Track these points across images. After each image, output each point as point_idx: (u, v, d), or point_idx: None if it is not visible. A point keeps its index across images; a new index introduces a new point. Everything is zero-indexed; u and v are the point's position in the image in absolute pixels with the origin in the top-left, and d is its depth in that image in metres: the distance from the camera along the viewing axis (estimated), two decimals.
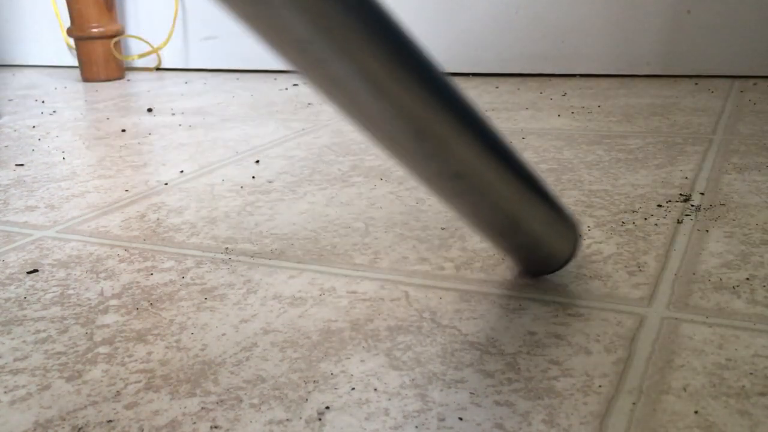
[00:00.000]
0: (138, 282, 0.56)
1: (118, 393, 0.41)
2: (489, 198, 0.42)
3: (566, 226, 0.48)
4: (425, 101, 0.36)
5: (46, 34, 1.89)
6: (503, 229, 0.46)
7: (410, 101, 0.36)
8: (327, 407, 0.39)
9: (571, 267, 0.54)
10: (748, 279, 0.51)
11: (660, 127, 0.96)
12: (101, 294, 0.54)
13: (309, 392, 0.40)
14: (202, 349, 0.45)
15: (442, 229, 0.63)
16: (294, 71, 0.37)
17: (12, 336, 0.48)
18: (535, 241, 0.47)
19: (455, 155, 0.39)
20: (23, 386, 0.42)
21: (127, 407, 0.40)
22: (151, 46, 1.74)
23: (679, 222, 0.62)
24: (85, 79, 1.65)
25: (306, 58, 0.32)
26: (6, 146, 1.04)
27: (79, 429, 0.38)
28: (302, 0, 0.29)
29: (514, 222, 0.45)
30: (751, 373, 0.40)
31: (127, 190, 0.80)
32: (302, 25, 0.30)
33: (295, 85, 1.46)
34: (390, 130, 0.37)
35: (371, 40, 0.32)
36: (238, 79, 1.57)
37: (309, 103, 1.25)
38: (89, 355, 0.45)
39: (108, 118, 1.22)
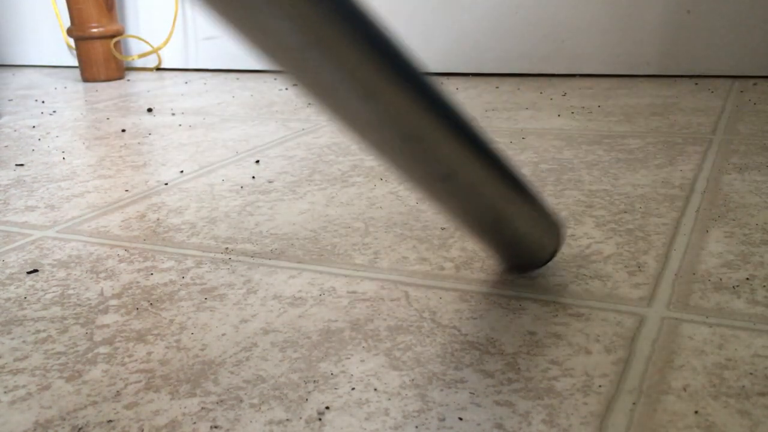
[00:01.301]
0: (138, 282, 0.56)
1: (118, 393, 0.41)
2: (476, 198, 0.44)
3: (549, 223, 0.49)
4: (413, 105, 0.37)
5: (46, 34, 1.89)
6: (489, 228, 0.47)
7: (399, 105, 0.36)
8: (327, 407, 0.39)
9: (571, 267, 0.54)
10: (748, 279, 0.51)
11: (660, 127, 0.96)
12: (101, 294, 0.54)
13: (309, 392, 0.40)
14: (202, 349, 0.45)
15: (442, 229, 0.63)
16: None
17: (12, 336, 0.48)
18: (519, 238, 0.48)
19: (444, 157, 0.40)
20: (23, 386, 0.42)
21: (127, 407, 0.40)
22: (151, 46, 1.73)
23: (678, 222, 0.62)
24: (85, 79, 1.65)
25: (296, 65, 0.33)
26: (6, 146, 1.04)
27: (79, 429, 0.38)
28: (290, 8, 0.30)
29: (500, 220, 0.46)
30: (751, 373, 0.40)
31: (127, 190, 0.80)
32: (291, 33, 0.30)
33: (295, 85, 1.46)
34: (379, 135, 0.38)
35: (359, 45, 0.33)
36: (238, 79, 1.57)
37: (309, 103, 1.25)
38: (89, 355, 0.45)
39: (108, 118, 1.22)
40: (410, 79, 0.36)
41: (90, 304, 0.53)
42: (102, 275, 0.57)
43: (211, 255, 0.60)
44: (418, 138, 0.38)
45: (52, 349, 0.46)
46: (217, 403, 0.40)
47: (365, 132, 0.38)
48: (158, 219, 0.70)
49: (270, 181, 0.80)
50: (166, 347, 0.46)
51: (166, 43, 1.71)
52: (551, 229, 0.50)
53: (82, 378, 0.43)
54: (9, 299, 0.54)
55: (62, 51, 1.89)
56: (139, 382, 0.42)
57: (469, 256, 0.57)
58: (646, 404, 0.37)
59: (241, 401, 0.40)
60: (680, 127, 0.95)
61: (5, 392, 0.42)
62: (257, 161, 0.89)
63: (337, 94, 0.35)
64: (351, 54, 0.33)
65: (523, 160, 0.84)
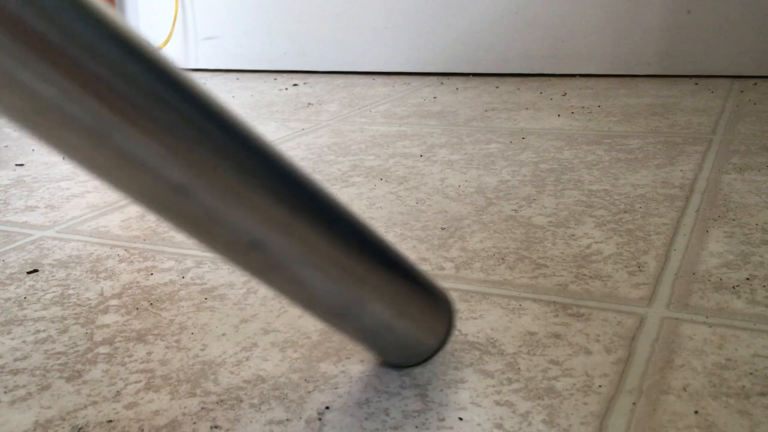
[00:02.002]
0: (138, 282, 0.56)
1: (118, 393, 0.41)
2: (305, 275, 0.31)
3: (429, 306, 0.38)
4: (181, 135, 0.25)
5: None
6: (333, 314, 0.34)
7: (155, 137, 0.25)
8: (327, 407, 0.39)
9: (571, 267, 0.54)
10: (748, 279, 0.51)
11: (660, 127, 0.96)
12: (101, 294, 0.54)
13: (309, 392, 0.40)
14: (202, 349, 0.45)
15: (442, 229, 0.63)
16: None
17: (12, 336, 0.48)
18: (381, 327, 0.36)
19: (240, 217, 0.28)
20: (23, 386, 0.42)
21: (127, 407, 0.40)
22: None
23: (678, 222, 0.62)
24: None
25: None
26: (6, 146, 1.04)
27: (79, 429, 0.38)
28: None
29: (348, 304, 0.34)
30: (751, 373, 0.40)
31: None
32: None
33: (295, 85, 1.46)
34: (138, 182, 0.26)
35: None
36: (238, 79, 1.57)
37: (309, 103, 1.25)
38: (89, 355, 0.45)
39: None
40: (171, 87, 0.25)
41: (90, 304, 0.53)
42: (102, 275, 0.57)
43: (212, 255, 0.60)
44: (185, 188, 0.26)
45: (52, 349, 0.46)
46: (217, 403, 0.40)
47: (117, 176, 0.26)
48: (158, 219, 0.70)
49: None
50: (166, 347, 0.46)
51: (166, 43, 1.71)
52: (433, 313, 0.38)
53: (82, 378, 0.43)
54: (9, 299, 0.54)
55: None
56: (139, 382, 0.42)
57: (469, 256, 0.57)
58: (646, 404, 0.37)
59: (241, 401, 0.40)
60: (680, 127, 0.95)
61: (5, 392, 0.42)
62: None
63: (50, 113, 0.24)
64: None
65: (523, 160, 0.84)
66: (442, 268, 0.55)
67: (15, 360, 0.45)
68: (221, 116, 0.27)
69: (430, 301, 0.38)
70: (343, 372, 0.42)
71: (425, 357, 0.41)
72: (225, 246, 0.29)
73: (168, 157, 0.25)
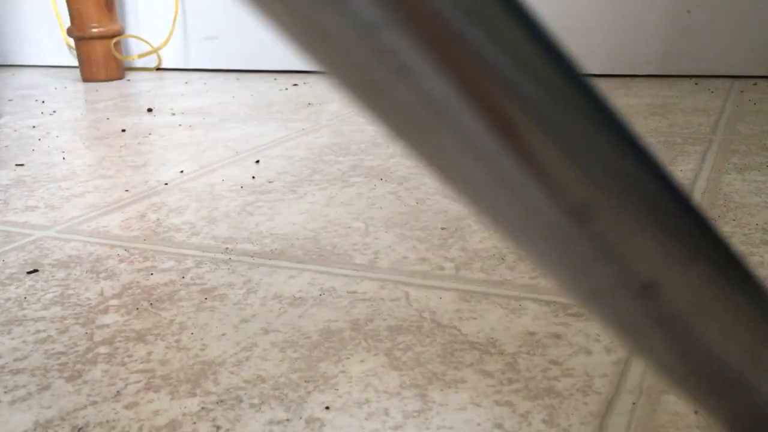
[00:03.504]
0: (138, 282, 0.56)
1: (118, 393, 0.41)
2: (700, 331, 0.23)
3: None
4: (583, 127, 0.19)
5: (46, 34, 1.89)
6: (728, 386, 0.25)
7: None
8: (327, 407, 0.39)
9: None
10: None
11: (660, 127, 0.96)
12: (101, 294, 0.54)
13: (309, 392, 0.40)
14: (202, 349, 0.45)
15: (442, 229, 0.63)
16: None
17: (12, 336, 0.48)
18: None
19: (640, 252, 0.21)
20: (23, 386, 0.42)
21: (127, 407, 0.40)
22: (151, 46, 1.74)
23: None
24: (85, 79, 1.65)
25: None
26: (6, 146, 1.04)
27: (79, 429, 0.38)
28: None
29: (741, 372, 0.24)
30: None
31: (127, 190, 0.80)
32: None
33: (295, 85, 1.46)
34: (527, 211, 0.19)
35: None
36: (238, 79, 1.57)
37: (309, 103, 1.25)
38: (89, 355, 0.45)
39: (108, 118, 1.22)
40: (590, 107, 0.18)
41: (90, 304, 0.53)
42: (102, 275, 0.57)
43: (211, 255, 0.60)
44: (585, 207, 0.20)
45: (52, 349, 0.46)
46: (217, 403, 0.40)
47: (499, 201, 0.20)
48: (158, 219, 0.70)
49: (270, 181, 0.80)
50: (166, 347, 0.46)
51: (166, 43, 1.71)
52: None
53: (82, 378, 0.43)
54: (9, 299, 0.54)
55: (62, 51, 1.89)
56: (139, 382, 0.42)
57: (469, 256, 0.57)
58: (646, 404, 0.37)
59: (241, 401, 0.40)
60: (680, 127, 0.95)
61: (5, 392, 0.42)
62: (257, 161, 0.89)
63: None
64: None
65: None
66: (442, 268, 0.55)
67: (15, 360, 0.45)
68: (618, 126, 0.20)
69: None
70: (343, 372, 0.42)
71: None
72: (610, 288, 0.21)
73: (570, 175, 0.18)
